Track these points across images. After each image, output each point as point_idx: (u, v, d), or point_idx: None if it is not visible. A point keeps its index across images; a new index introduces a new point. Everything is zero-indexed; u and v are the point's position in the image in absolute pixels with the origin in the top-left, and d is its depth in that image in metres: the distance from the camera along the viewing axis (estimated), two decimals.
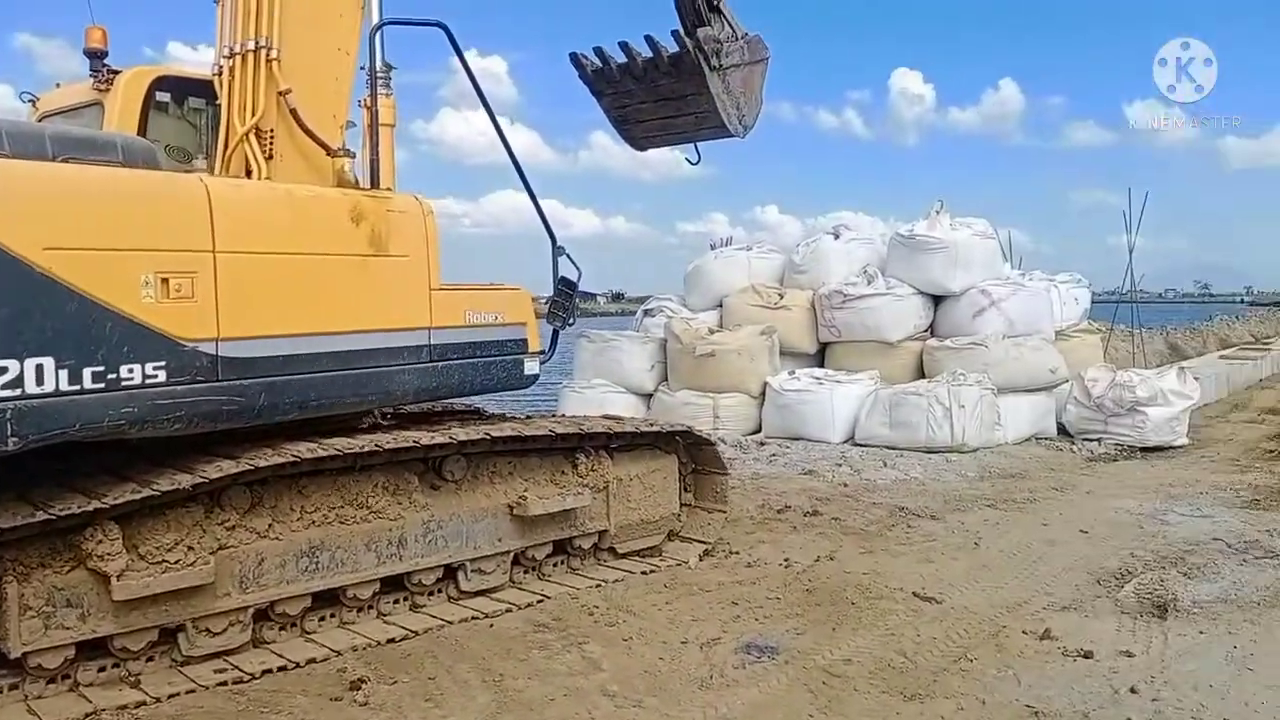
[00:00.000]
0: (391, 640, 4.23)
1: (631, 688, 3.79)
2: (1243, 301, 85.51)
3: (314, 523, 4.24)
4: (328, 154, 4.73)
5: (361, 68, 4.96)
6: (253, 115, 4.63)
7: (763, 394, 10.61)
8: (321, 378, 4.32)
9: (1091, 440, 10.16)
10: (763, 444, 9.85)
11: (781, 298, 11.52)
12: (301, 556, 4.18)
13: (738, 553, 5.71)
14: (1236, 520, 6.55)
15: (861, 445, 9.71)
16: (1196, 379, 10.91)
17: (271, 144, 4.66)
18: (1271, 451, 9.72)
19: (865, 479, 8.11)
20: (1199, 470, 8.75)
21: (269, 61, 4.62)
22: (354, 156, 4.88)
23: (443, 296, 4.84)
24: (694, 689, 3.80)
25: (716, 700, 3.68)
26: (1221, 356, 19.44)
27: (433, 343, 4.78)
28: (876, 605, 4.78)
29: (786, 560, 5.55)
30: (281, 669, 3.92)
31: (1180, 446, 9.97)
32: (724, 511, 5.91)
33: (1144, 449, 9.82)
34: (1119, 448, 9.90)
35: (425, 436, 4.52)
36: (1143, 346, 17.64)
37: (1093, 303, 13.12)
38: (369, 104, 4.94)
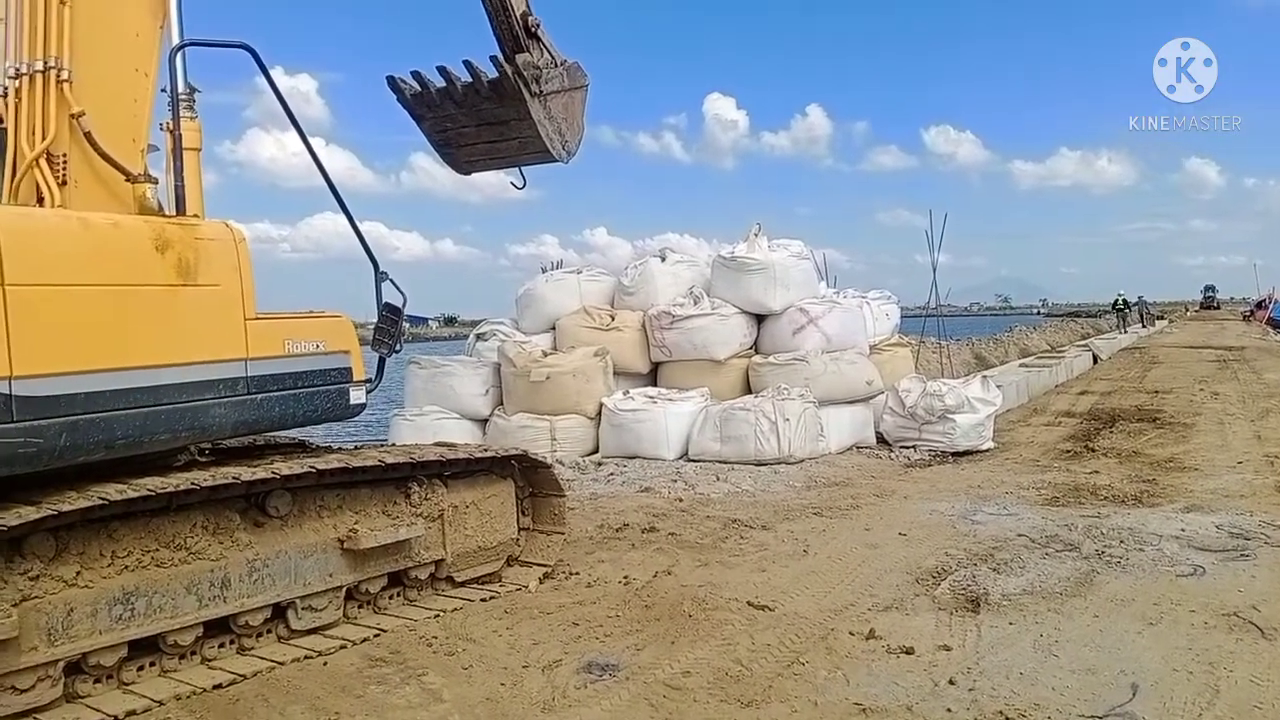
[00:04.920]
0: (218, 686, 4.01)
1: (473, 716, 3.74)
2: (1039, 313, 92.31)
3: (127, 568, 3.97)
4: (127, 179, 4.49)
5: (163, 90, 4.74)
6: (43, 139, 4.34)
7: (599, 415, 10.69)
8: (128, 415, 4.07)
9: (907, 447, 10.73)
10: (600, 464, 9.92)
11: (613, 319, 11.66)
12: (115, 604, 3.91)
13: (577, 573, 5.72)
14: (1038, 517, 7.05)
15: (695, 461, 9.93)
16: (999, 387, 11.71)
17: (65, 169, 4.38)
18: (1068, 452, 10.53)
19: (700, 493, 8.28)
20: (1004, 472, 9.36)
21: (60, 83, 4.34)
22: (156, 182, 4.63)
23: (259, 326, 4.66)
24: (537, 712, 3.78)
25: None
26: (1022, 365, 20.89)
27: (250, 374, 4.58)
28: (713, 616, 4.88)
29: (626, 578, 5.60)
30: None
31: (987, 450, 10.65)
32: (562, 533, 5.91)
33: (955, 454, 10.44)
34: (932, 453, 10.48)
35: (246, 472, 4.32)
36: (950, 358, 18.77)
37: (903, 317, 13.89)
38: (171, 127, 4.72)
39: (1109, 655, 4.24)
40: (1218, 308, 77.92)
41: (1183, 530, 6.47)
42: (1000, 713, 3.64)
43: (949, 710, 3.69)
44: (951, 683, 3.96)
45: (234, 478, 4.24)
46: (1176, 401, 14.91)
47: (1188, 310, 76.90)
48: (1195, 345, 31.14)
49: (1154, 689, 3.85)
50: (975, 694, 3.85)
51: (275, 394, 4.73)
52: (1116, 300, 43.46)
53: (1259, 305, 51.82)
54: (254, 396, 4.63)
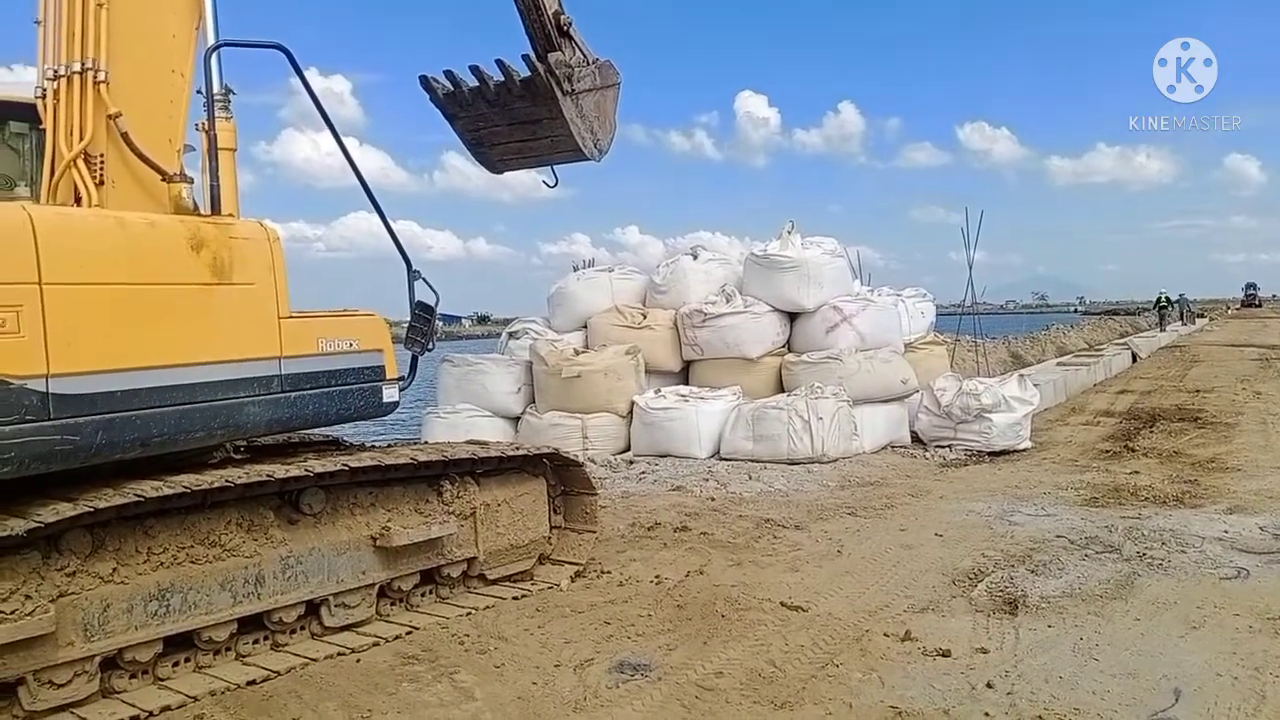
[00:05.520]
0: (252, 682, 4.03)
1: (505, 715, 3.73)
2: (1076, 311, 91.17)
3: (162, 564, 4.01)
4: (163, 179, 4.52)
5: (198, 91, 4.77)
6: (80, 140, 4.38)
7: (630, 413, 10.68)
8: (164, 412, 4.10)
9: (943, 447, 10.61)
10: (632, 462, 9.90)
11: (645, 318, 11.64)
12: (150, 600, 3.94)
13: (609, 572, 5.71)
14: (1077, 518, 6.94)
15: (727, 460, 9.88)
16: (1036, 385, 11.55)
17: (102, 169, 4.42)
18: (1106, 452, 10.36)
19: (732, 492, 8.24)
20: (1042, 472, 9.23)
21: (97, 84, 4.38)
22: (192, 182, 4.67)
23: (293, 324, 4.68)
24: (568, 712, 3.76)
25: None
26: (1059, 363, 20.62)
27: (284, 372, 4.60)
28: (746, 616, 4.84)
29: (657, 577, 5.57)
30: (134, 719, 3.69)
31: (1024, 450, 10.51)
32: (594, 532, 5.90)
33: (991, 453, 10.31)
34: (968, 453, 10.36)
35: (280, 470, 4.35)
36: (986, 356, 18.57)
37: (938, 315, 13.74)
38: (206, 128, 4.75)
39: (1151, 659, 4.16)
40: (1259, 305, 76.59)
41: (1226, 532, 6.34)
42: (1039, 717, 3.58)
43: (987, 714, 3.63)
44: (989, 686, 3.89)
45: (268, 475, 4.26)
46: (1218, 401, 14.63)
47: (1228, 308, 75.58)
48: (1237, 344, 30.55)
49: (1197, 694, 3.77)
50: (1014, 697, 3.78)
51: (309, 392, 4.75)
52: (1159, 298, 43.22)
53: None
54: (288, 395, 4.65)
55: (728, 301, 11.27)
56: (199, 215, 4.55)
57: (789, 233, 11.63)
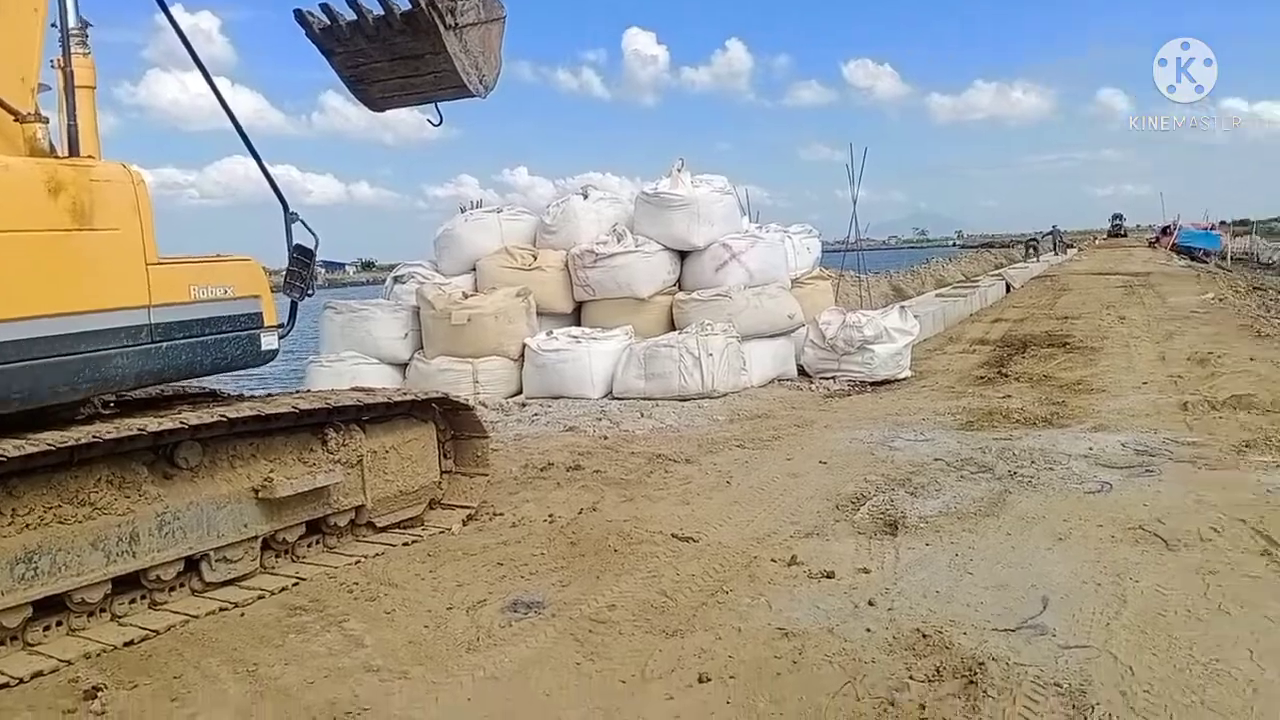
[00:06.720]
0: (130, 643, 3.90)
1: (396, 660, 3.71)
2: (955, 245, 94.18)
3: (28, 525, 3.81)
4: (16, 120, 4.22)
5: (53, 25, 4.46)
6: None
7: (522, 356, 10.63)
8: (22, 367, 3.88)
9: (828, 378, 10.90)
10: (524, 405, 9.88)
11: (535, 259, 11.54)
12: (17, 564, 3.75)
13: (502, 514, 5.71)
14: (953, 441, 7.24)
15: (620, 399, 9.95)
16: (916, 317, 11.92)
17: None
18: (981, 378, 10.81)
19: (624, 430, 8.31)
20: (921, 399, 9.58)
21: None
22: (47, 122, 4.38)
23: (162, 271, 4.47)
24: (461, 653, 3.77)
25: (484, 661, 3.68)
26: (938, 295, 21.33)
27: (153, 321, 4.41)
28: (638, 550, 4.91)
29: (550, 516, 5.60)
30: (4, 686, 3.54)
31: (905, 379, 10.88)
32: (486, 475, 5.88)
33: (874, 383, 10.64)
34: (852, 384, 10.67)
35: (152, 423, 4.17)
36: (869, 290, 19.05)
37: (823, 252, 14.02)
38: (62, 64, 4.45)
39: (1021, 571, 4.39)
40: (1125, 235, 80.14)
41: (1091, 449, 6.71)
42: (918, 630, 3.74)
43: (869, 630, 3.78)
44: (871, 604, 4.05)
45: (139, 429, 4.09)
46: (1085, 326, 15.39)
47: (1096, 239, 79.01)
48: (1103, 272, 32.14)
49: (1064, 601, 3.99)
50: (894, 613, 3.95)
51: (182, 341, 4.57)
52: (1028, 239, 47.78)
53: (1164, 231, 53.63)
54: (159, 345, 4.47)
55: (619, 241, 11.25)
56: (56, 157, 4.28)
57: (678, 170, 11.65)
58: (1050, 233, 52.60)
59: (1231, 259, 41.66)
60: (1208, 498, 5.36)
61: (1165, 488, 5.66)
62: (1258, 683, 3.21)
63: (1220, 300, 19.51)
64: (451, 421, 5.82)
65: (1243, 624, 3.68)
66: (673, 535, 5.12)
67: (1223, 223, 57.30)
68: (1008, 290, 25.05)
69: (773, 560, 4.68)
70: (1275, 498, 5.31)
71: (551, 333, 10.77)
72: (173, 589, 4.37)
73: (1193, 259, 41.52)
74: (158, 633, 4.00)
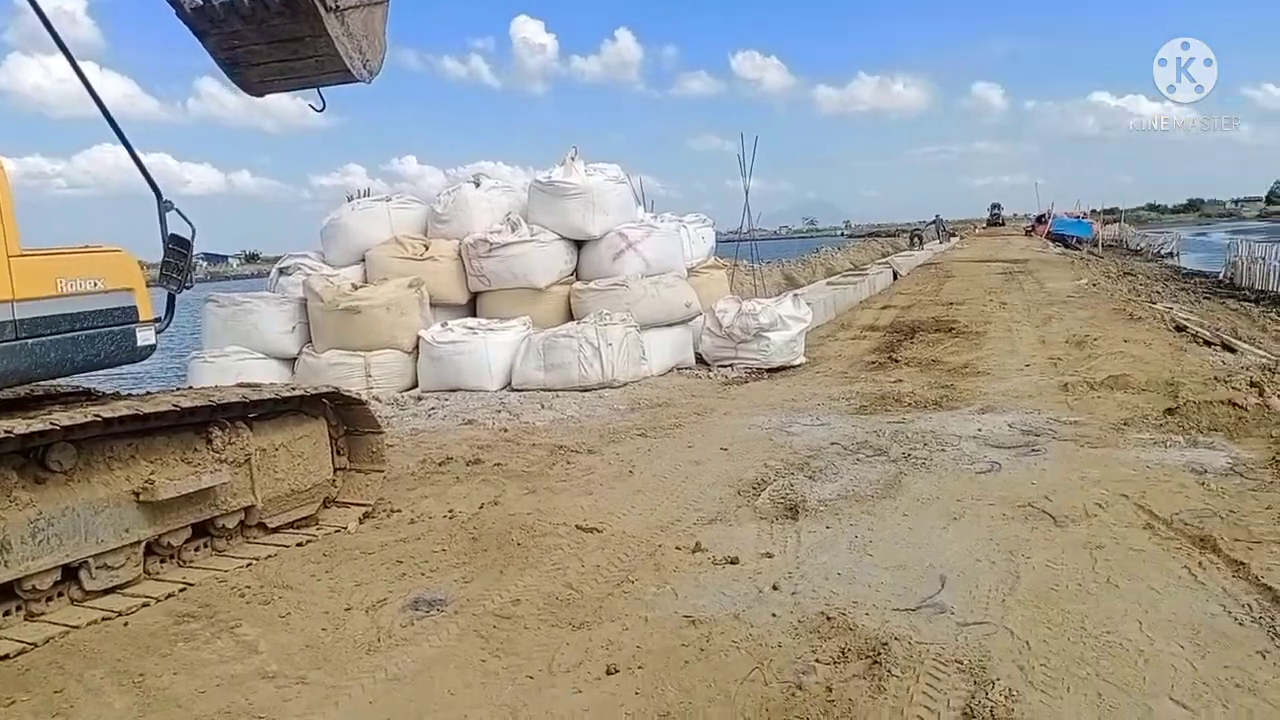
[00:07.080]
0: (5, 657, 3.66)
1: (293, 664, 3.57)
2: (843, 234, 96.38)
3: None
4: None
5: None
6: None
7: (416, 348, 10.39)
8: None
9: (725, 366, 11.00)
10: (420, 398, 9.67)
11: (427, 249, 11.29)
12: None
13: (400, 511, 5.56)
14: (849, 425, 7.38)
15: (519, 390, 9.84)
16: (809, 304, 12.12)
17: None
18: (873, 363, 11.06)
19: (525, 422, 8.21)
20: (816, 385, 9.74)
21: None
22: None
23: (25, 264, 4.20)
24: (361, 655, 3.65)
25: (385, 662, 3.56)
26: (829, 283, 21.79)
27: (17, 317, 4.14)
28: (542, 543, 4.85)
29: (451, 511, 5.48)
30: None
31: (799, 365, 11.06)
32: (382, 471, 5.73)
33: (770, 370, 10.79)
34: (749, 371, 10.79)
35: (20, 425, 3.91)
36: (763, 279, 19.33)
37: (717, 241, 14.11)
38: None
39: (918, 551, 4.49)
40: (1003, 224, 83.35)
41: (979, 430, 6.92)
42: (822, 613, 3.78)
43: (774, 615, 3.80)
44: (775, 588, 4.08)
45: (6, 431, 3.82)
46: (969, 312, 15.91)
47: (976, 228, 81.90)
48: (984, 259, 33.33)
49: (960, 579, 4.10)
50: (798, 596, 3.98)
51: (49, 338, 4.32)
52: (912, 231, 49.67)
53: (1039, 220, 55.99)
54: (24, 342, 4.21)
55: (513, 230, 11.11)
56: None
57: (572, 159, 11.55)
58: (934, 222, 54.55)
59: (1103, 246, 43.74)
60: (1091, 475, 5.58)
61: (1051, 466, 5.87)
62: (1148, 653, 3.34)
63: (1094, 285, 20.45)
64: (344, 417, 5.64)
65: (1130, 597, 3.83)
66: (577, 527, 5.07)
67: (1094, 211, 60.21)
68: (895, 278, 25.75)
69: (677, 548, 4.67)
70: (1155, 473, 5.56)
71: (447, 324, 10.57)
72: (50, 599, 4.11)
73: (1066, 246, 43.47)
74: (36, 645, 3.77)
